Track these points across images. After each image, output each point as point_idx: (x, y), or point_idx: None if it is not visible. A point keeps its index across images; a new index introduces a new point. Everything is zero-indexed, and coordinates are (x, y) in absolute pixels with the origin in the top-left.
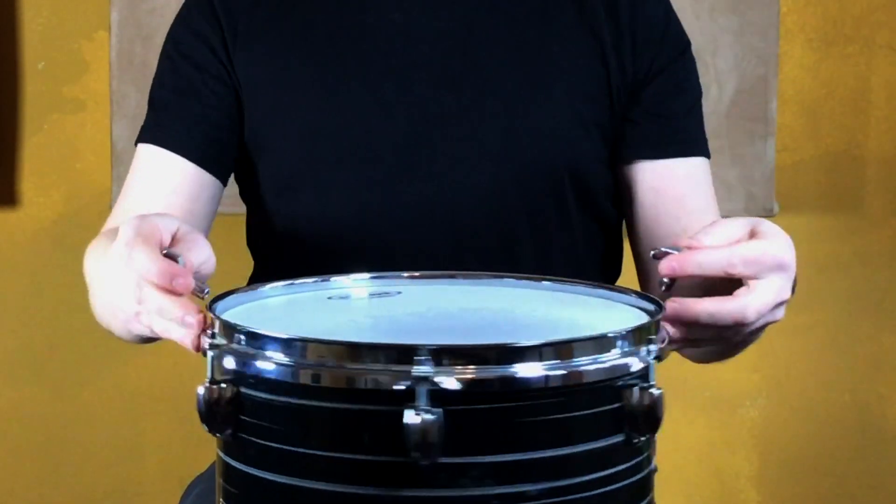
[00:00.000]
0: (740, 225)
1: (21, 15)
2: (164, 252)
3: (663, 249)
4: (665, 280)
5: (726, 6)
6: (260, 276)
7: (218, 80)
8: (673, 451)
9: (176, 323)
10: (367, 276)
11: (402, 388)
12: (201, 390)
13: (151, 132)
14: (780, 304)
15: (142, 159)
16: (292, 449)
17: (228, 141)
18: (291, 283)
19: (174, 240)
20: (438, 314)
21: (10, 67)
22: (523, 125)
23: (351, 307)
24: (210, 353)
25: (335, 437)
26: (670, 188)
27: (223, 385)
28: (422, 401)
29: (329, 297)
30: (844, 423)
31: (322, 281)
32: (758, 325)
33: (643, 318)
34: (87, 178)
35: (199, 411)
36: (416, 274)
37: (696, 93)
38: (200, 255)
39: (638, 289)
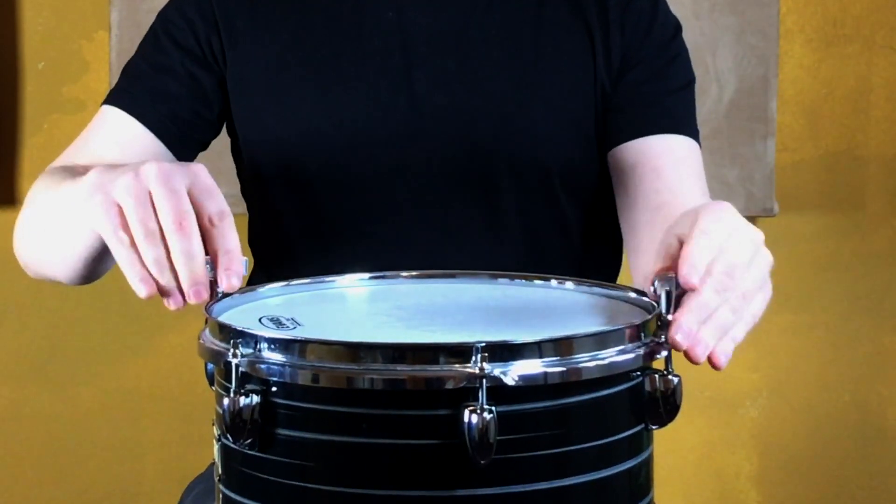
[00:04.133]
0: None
1: (21, 15)
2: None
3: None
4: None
5: (726, 6)
6: (259, 276)
7: (197, 63)
8: (673, 451)
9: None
10: (365, 276)
11: (460, 387)
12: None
13: (118, 97)
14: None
15: (102, 118)
16: (337, 458)
17: (193, 123)
18: (288, 284)
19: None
20: (439, 308)
21: (10, 67)
22: (516, 125)
23: (348, 305)
24: (236, 362)
25: (387, 443)
26: (647, 162)
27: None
28: (481, 399)
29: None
30: (844, 423)
31: (319, 281)
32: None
33: (641, 314)
34: None
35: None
36: (415, 273)
37: (681, 78)
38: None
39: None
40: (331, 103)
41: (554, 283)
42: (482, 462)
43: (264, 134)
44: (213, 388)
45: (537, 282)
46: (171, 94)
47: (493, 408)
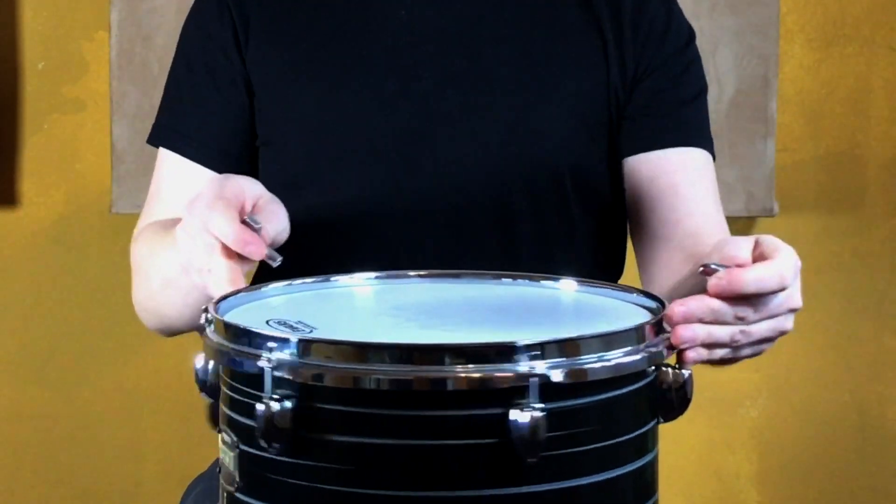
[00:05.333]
0: (747, 241)
1: (21, 15)
2: (244, 218)
3: (713, 266)
4: (702, 269)
5: (726, 6)
6: (264, 273)
7: (231, 85)
8: (673, 451)
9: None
10: (371, 275)
11: (510, 386)
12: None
13: (171, 138)
14: (789, 311)
15: (165, 167)
16: (381, 460)
17: (242, 147)
18: (291, 284)
19: (255, 207)
20: (450, 307)
21: (10, 67)
22: (526, 125)
23: (356, 303)
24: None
25: (433, 444)
26: (664, 176)
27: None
28: (532, 398)
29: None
30: (844, 423)
31: (322, 281)
32: (759, 329)
33: (647, 315)
34: (87, 178)
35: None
36: (423, 273)
37: (695, 86)
38: (279, 225)
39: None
40: (339, 101)
41: (559, 283)
42: (530, 460)
43: (272, 132)
44: (225, 392)
45: (544, 282)
46: (215, 126)
47: (544, 405)
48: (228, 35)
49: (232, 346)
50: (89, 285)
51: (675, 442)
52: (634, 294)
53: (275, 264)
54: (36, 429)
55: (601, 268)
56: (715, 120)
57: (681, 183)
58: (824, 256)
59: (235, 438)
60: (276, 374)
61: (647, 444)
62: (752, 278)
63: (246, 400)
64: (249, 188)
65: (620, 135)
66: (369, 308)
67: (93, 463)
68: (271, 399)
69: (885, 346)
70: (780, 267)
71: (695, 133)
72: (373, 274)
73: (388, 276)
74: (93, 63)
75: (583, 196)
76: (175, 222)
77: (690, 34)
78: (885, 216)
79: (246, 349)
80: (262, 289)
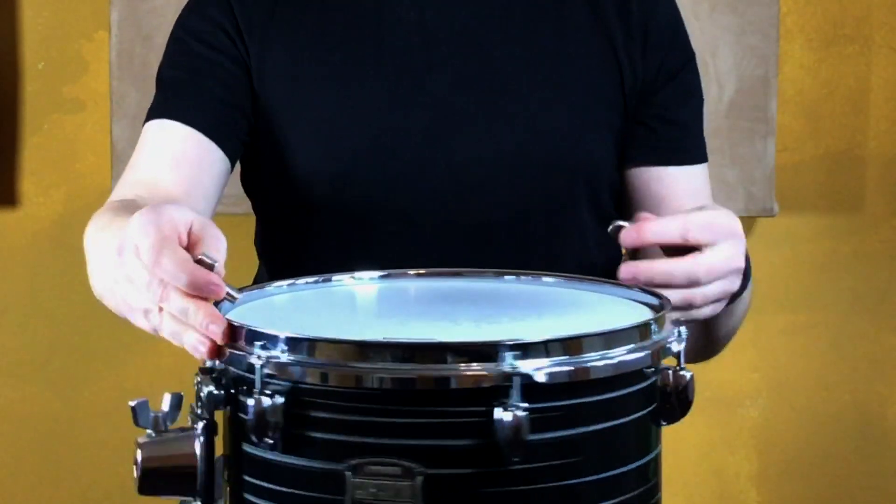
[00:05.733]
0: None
1: (21, 15)
2: (199, 256)
3: (618, 224)
4: (626, 252)
5: (726, 6)
6: (268, 275)
7: (234, 61)
8: (673, 451)
9: (194, 329)
10: (374, 274)
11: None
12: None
13: (160, 109)
14: (734, 271)
15: (148, 134)
16: (597, 446)
17: (239, 121)
18: (294, 283)
19: (191, 234)
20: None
21: (10, 67)
22: (539, 126)
23: (357, 304)
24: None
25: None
26: (674, 197)
27: None
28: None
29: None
30: (844, 423)
31: (325, 280)
32: (712, 290)
33: (645, 311)
34: (87, 178)
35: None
36: (423, 272)
37: (701, 100)
38: (221, 251)
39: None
40: (351, 103)
41: (560, 280)
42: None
43: (283, 131)
44: (382, 421)
45: (545, 279)
46: (213, 94)
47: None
48: (231, 24)
49: (455, 365)
50: (89, 285)
51: (675, 442)
52: (635, 290)
53: (233, 300)
54: (36, 429)
55: (607, 268)
56: (715, 120)
57: (688, 204)
58: (824, 256)
59: (415, 465)
60: (532, 382)
61: (628, 451)
62: (656, 227)
63: (459, 420)
64: (181, 218)
65: (634, 140)
66: (376, 304)
67: (93, 463)
68: (520, 409)
69: (885, 346)
70: (684, 219)
71: (700, 149)
72: (375, 273)
73: (390, 276)
74: (93, 63)
75: (592, 197)
76: (128, 207)
77: (693, 51)
78: (885, 216)
79: (482, 366)
80: (266, 288)
